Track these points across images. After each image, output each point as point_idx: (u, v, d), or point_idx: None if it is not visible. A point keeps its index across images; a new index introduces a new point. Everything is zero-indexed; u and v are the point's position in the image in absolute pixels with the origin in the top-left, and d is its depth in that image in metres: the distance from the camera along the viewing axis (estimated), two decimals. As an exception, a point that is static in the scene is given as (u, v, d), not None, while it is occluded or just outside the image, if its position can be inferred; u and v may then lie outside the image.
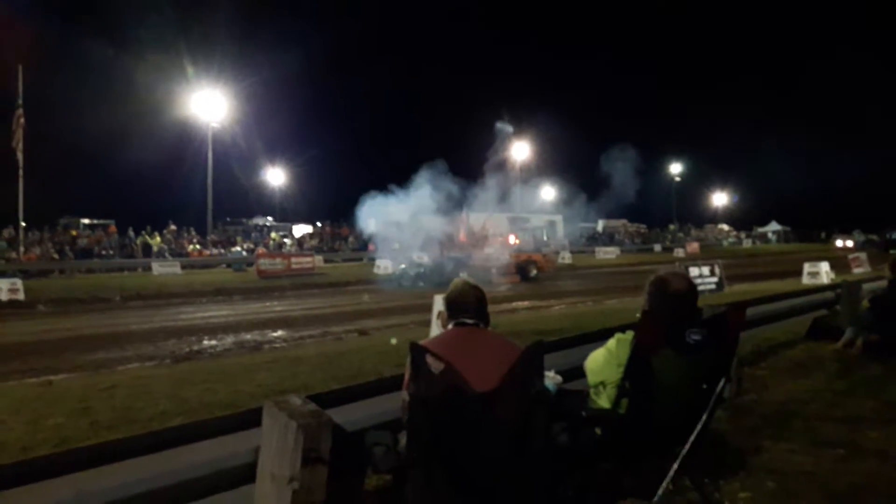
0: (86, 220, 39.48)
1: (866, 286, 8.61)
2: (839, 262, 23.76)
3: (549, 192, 59.55)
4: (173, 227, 39.47)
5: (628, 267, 33.86)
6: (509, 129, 37.78)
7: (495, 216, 32.87)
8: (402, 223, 25.93)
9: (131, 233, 37.74)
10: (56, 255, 30.70)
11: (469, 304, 2.91)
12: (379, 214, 25.90)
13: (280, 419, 2.60)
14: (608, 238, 56.65)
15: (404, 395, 2.72)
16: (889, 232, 49.12)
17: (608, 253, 46.20)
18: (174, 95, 39.79)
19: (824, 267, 19.65)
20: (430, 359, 2.47)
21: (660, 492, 3.06)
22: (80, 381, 8.22)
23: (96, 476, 2.47)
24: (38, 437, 4.95)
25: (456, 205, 26.69)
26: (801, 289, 10.09)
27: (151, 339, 12.60)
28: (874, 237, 49.53)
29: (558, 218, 55.78)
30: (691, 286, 3.12)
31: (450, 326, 2.91)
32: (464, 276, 3.25)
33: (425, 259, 25.56)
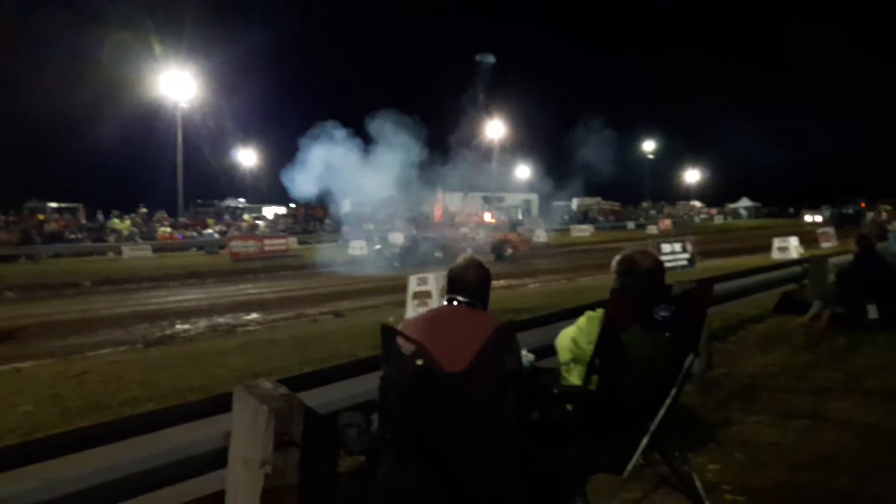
0: (53, 204, 38.53)
1: (833, 261, 8.78)
2: (808, 236, 24.20)
3: (523, 171, 59.79)
4: (143, 209, 38.89)
5: (602, 245, 34.10)
6: (491, 59, 37.76)
7: (470, 195, 32.88)
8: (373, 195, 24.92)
9: (100, 216, 37.11)
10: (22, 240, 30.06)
11: (469, 283, 2.87)
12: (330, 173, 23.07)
13: (251, 403, 2.58)
14: (582, 216, 57.00)
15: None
16: (843, 207, 49.50)
17: (582, 231, 46.48)
18: (142, 74, 38.92)
19: (793, 242, 19.97)
20: (400, 340, 2.47)
21: (630, 466, 3.11)
22: (50, 367, 8.10)
23: (65, 465, 2.43)
24: (7, 425, 4.86)
25: (425, 173, 25.83)
26: (771, 264, 10.26)
27: (123, 323, 12.44)
28: (836, 211, 50.18)
29: (533, 196, 56.07)
30: (658, 263, 3.15)
31: (444, 301, 2.89)
32: (469, 252, 3.19)
33: (400, 239, 25.47)
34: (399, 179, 24.41)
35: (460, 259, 3.02)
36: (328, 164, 22.75)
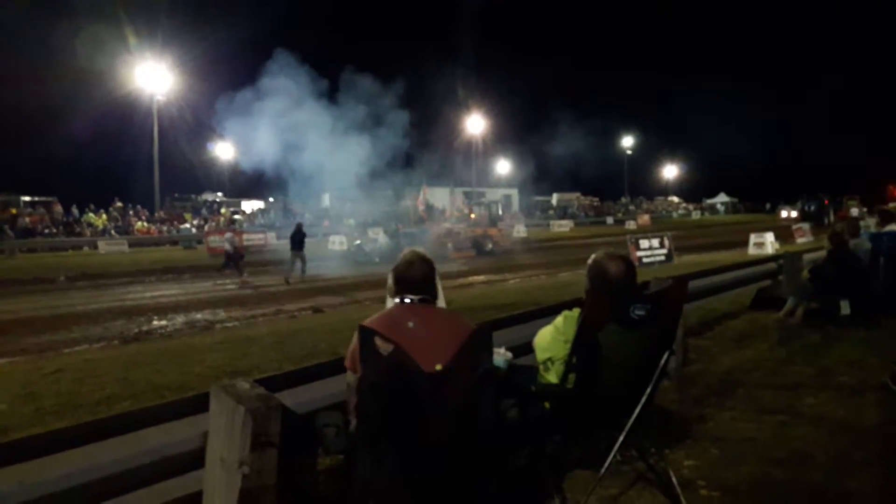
0: (26, 198, 37.85)
1: (807, 257, 8.91)
2: (784, 231, 24.53)
3: (504, 166, 60.00)
4: (119, 203, 38.37)
5: (582, 240, 34.30)
6: None
7: (453, 190, 32.91)
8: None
9: (75, 210, 36.58)
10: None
11: (416, 280, 2.83)
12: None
13: (227, 404, 2.56)
14: (562, 211, 57.30)
15: (349, 376, 2.73)
16: (807, 203, 49.43)
17: (562, 226, 46.74)
18: (117, 67, 38.35)
19: (769, 237, 20.25)
20: (378, 340, 2.46)
21: (607, 463, 3.14)
22: (24, 365, 8.00)
23: (39, 467, 2.40)
24: (-21, 425, 4.79)
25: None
26: (747, 260, 10.38)
27: (99, 320, 12.30)
28: (800, 207, 50.04)
29: (514, 192, 56.27)
30: (629, 268, 3.16)
31: (395, 301, 2.86)
32: (418, 249, 3.10)
33: (380, 234, 25.42)
34: (378, 170, 24.01)
35: (403, 256, 2.94)
36: (299, 144, 21.79)
